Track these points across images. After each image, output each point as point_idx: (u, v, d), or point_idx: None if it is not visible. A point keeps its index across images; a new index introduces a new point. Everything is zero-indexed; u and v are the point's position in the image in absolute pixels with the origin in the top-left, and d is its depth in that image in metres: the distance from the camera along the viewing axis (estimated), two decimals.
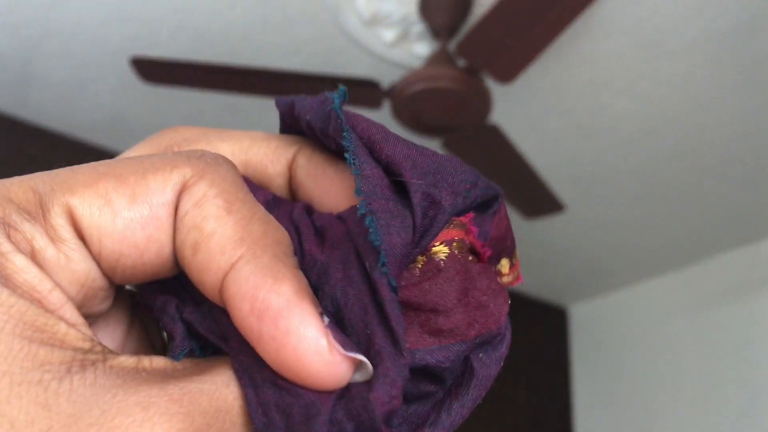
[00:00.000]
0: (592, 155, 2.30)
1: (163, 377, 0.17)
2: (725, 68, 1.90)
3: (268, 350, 0.17)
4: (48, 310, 0.17)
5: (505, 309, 0.22)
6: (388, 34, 1.82)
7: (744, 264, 2.78)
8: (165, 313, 0.21)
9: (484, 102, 1.54)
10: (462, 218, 0.21)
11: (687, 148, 2.23)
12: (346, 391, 0.18)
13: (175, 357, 0.19)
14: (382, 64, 1.95)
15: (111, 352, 0.17)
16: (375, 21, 1.78)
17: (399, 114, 1.60)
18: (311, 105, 0.23)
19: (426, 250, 0.20)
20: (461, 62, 1.56)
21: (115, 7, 1.84)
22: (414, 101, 1.54)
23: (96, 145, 2.42)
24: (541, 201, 2.01)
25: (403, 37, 1.83)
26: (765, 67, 1.88)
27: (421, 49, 1.84)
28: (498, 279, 0.22)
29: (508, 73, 1.50)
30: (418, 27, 1.77)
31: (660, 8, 1.72)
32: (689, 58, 1.87)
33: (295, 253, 0.20)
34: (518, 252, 0.24)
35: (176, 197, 0.19)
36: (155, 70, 1.68)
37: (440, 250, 0.21)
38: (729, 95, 1.99)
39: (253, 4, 1.79)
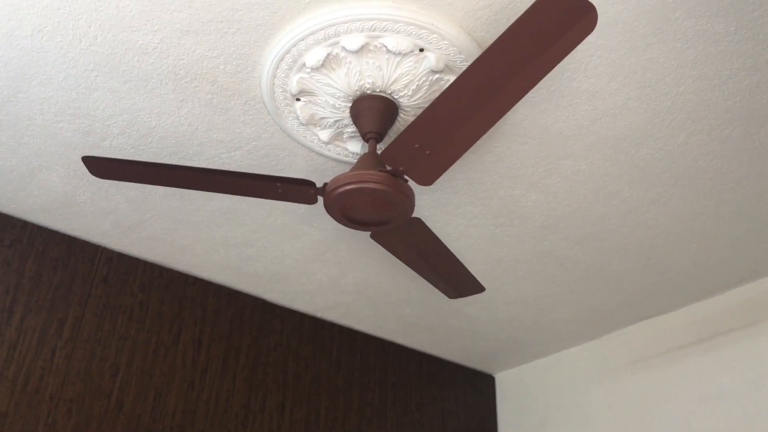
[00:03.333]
0: (509, 239, 2.53)
1: None
2: (620, 167, 2.16)
3: None
4: None
5: None
6: (324, 134, 2.01)
7: (650, 336, 3.03)
8: None
9: (407, 201, 1.73)
10: None
11: (591, 234, 2.48)
12: None
13: None
14: (319, 158, 2.14)
15: None
16: (311, 122, 1.97)
17: (330, 210, 1.77)
18: None
19: None
20: (387, 165, 1.76)
21: (67, 105, 1.98)
22: (343, 200, 1.72)
23: (44, 226, 2.52)
24: (463, 283, 2.20)
25: (338, 136, 2.02)
26: (654, 166, 2.14)
27: (354, 147, 2.04)
28: None
29: (427, 178, 1.70)
30: (352, 128, 1.97)
31: (560, 117, 1.97)
32: (589, 158, 2.12)
33: None
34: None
35: None
36: (105, 167, 1.82)
37: None
38: (624, 189, 2.25)
39: (200, 105, 1.96)
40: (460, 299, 2.93)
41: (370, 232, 1.99)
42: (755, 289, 2.73)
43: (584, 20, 1.36)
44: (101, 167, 1.81)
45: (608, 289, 2.84)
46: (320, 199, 2.26)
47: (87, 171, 2.24)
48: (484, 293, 2.89)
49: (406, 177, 1.72)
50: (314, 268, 2.76)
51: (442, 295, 2.91)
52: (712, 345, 2.78)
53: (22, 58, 1.84)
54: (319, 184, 2.22)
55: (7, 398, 2.23)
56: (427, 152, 1.64)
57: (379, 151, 1.94)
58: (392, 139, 1.79)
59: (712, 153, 2.09)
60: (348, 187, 1.70)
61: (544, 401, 3.37)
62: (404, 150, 1.64)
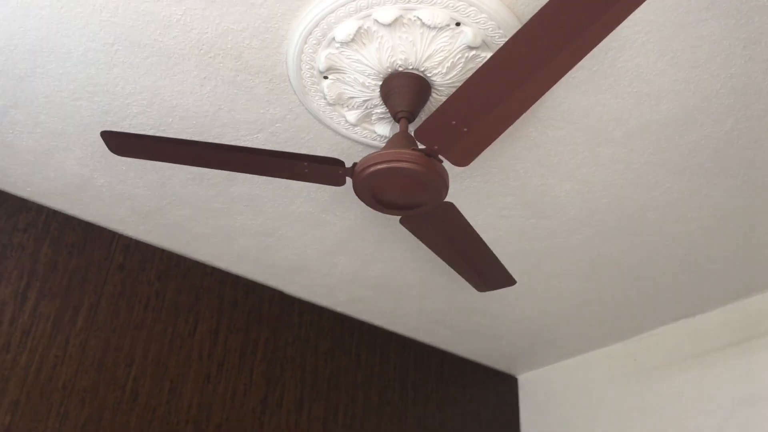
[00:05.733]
0: (540, 232, 2.42)
1: None
2: (662, 155, 2.05)
3: None
4: None
5: None
6: (351, 115, 1.92)
7: (684, 337, 2.91)
8: None
9: (441, 182, 1.64)
10: None
11: (627, 228, 2.37)
12: None
13: None
14: (345, 141, 2.05)
15: None
16: (339, 102, 1.89)
17: (360, 191, 1.68)
18: None
19: None
20: (420, 144, 1.67)
21: (86, 81, 1.91)
22: (373, 180, 1.63)
23: (60, 211, 2.44)
24: (494, 275, 2.10)
25: (366, 118, 1.93)
26: (698, 155, 2.04)
27: (383, 129, 1.95)
28: None
29: (463, 158, 1.60)
30: (381, 109, 1.88)
31: (602, 100, 1.87)
32: (629, 146, 2.02)
33: None
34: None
35: None
36: (125, 143, 1.74)
37: None
38: (665, 179, 2.14)
39: (223, 83, 1.88)
40: (486, 295, 2.83)
41: (398, 218, 1.90)
42: None
43: None
44: (120, 143, 1.73)
45: (641, 288, 2.72)
46: (348, 181, 2.17)
47: (105, 153, 2.17)
48: (510, 289, 2.78)
49: (440, 157, 1.63)
50: (335, 260, 2.67)
51: (467, 290, 2.81)
52: (750, 347, 2.65)
53: (40, 30, 1.76)
54: (347, 165, 2.13)
55: (19, 387, 2.16)
56: (465, 130, 1.54)
57: (410, 133, 1.84)
58: (423, 121, 1.70)
59: (759, 141, 1.98)
60: (379, 167, 1.61)
61: (569, 405, 3.25)
62: (440, 127, 1.55)
